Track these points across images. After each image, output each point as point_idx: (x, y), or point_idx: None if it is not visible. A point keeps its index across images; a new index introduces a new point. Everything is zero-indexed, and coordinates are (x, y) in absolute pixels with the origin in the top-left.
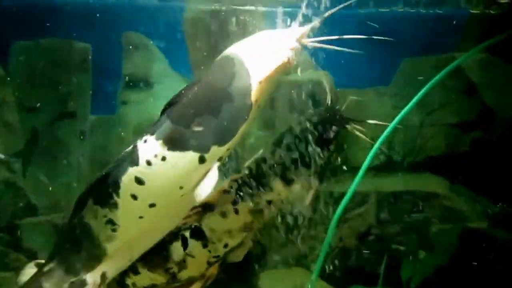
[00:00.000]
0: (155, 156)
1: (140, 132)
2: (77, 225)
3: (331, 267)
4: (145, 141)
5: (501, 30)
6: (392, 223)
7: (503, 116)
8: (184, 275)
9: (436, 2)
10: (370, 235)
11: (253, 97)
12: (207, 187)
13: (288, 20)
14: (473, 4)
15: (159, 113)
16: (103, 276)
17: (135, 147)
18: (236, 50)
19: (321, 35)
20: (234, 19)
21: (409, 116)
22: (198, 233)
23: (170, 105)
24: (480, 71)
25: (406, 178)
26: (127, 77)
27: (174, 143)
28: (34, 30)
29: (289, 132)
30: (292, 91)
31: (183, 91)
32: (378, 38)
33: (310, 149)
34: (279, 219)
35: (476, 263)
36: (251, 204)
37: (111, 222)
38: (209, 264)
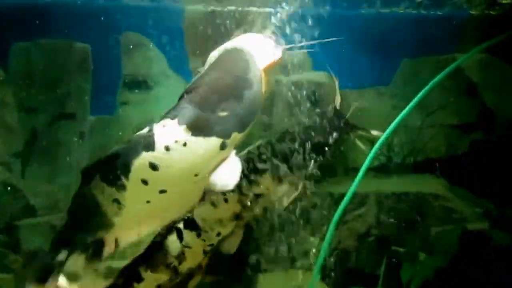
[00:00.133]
0: (176, 141)
1: None
2: (85, 195)
3: (331, 269)
4: (164, 125)
5: (501, 30)
6: (392, 224)
7: (503, 117)
8: (184, 267)
9: (436, 3)
10: (370, 236)
11: (263, 86)
12: (231, 175)
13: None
14: (473, 5)
15: (160, 113)
16: (116, 241)
17: (150, 131)
18: (238, 43)
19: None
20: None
21: (409, 117)
22: (191, 224)
23: (188, 91)
24: (480, 72)
25: (406, 179)
26: (126, 78)
27: (198, 128)
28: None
29: (288, 133)
30: (293, 92)
31: (200, 79)
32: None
33: (306, 151)
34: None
35: (476, 265)
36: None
37: (117, 201)
38: (205, 253)
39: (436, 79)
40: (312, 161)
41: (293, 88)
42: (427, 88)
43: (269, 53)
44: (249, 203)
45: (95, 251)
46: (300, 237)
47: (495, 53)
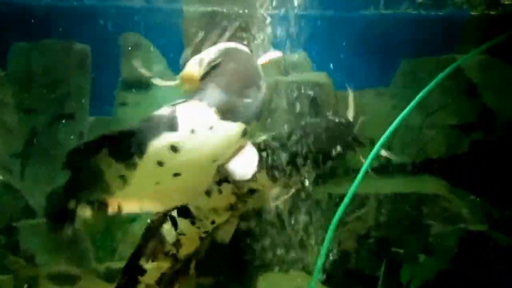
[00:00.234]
0: (203, 124)
1: None
2: (89, 163)
3: (331, 270)
4: (190, 107)
5: (501, 31)
6: (392, 226)
7: (503, 117)
8: (182, 253)
9: (436, 4)
10: (369, 237)
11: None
12: (249, 164)
13: None
14: (472, 5)
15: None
16: (119, 207)
17: (174, 112)
18: (234, 44)
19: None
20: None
21: (409, 117)
22: (184, 212)
23: (205, 76)
24: (480, 72)
25: (406, 180)
26: (125, 79)
27: (227, 112)
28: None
29: (291, 134)
30: (292, 92)
31: (218, 68)
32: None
33: (306, 158)
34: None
35: (476, 266)
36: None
37: (123, 178)
38: (201, 239)
39: (435, 81)
40: (309, 170)
41: (293, 88)
42: (425, 90)
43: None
44: (243, 196)
45: (99, 207)
46: (300, 238)
47: (495, 54)
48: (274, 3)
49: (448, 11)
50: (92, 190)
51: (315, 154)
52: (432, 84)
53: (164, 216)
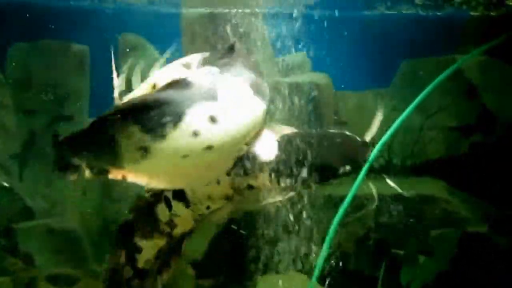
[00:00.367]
0: (240, 97)
1: None
2: (102, 132)
3: (330, 271)
4: (227, 80)
5: (502, 31)
6: (392, 227)
7: (503, 119)
8: (177, 232)
9: (436, 4)
10: (369, 239)
11: None
12: (271, 147)
13: None
14: (471, 6)
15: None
16: (124, 177)
17: (213, 82)
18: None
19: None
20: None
21: (408, 119)
22: (179, 195)
23: (222, 58)
24: (480, 74)
25: (405, 181)
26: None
27: (257, 90)
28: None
29: (300, 137)
30: (293, 93)
31: (232, 58)
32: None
33: (310, 168)
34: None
35: (476, 267)
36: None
37: (144, 150)
38: (196, 221)
39: (434, 83)
40: (311, 180)
41: (292, 89)
42: (424, 92)
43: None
44: (241, 191)
45: (100, 172)
46: (299, 239)
47: (495, 55)
48: (273, 3)
49: (447, 11)
50: (97, 159)
51: (322, 166)
52: (431, 86)
53: (158, 196)
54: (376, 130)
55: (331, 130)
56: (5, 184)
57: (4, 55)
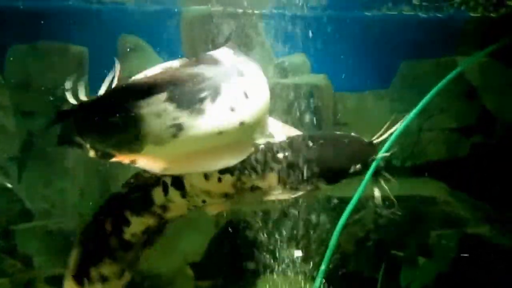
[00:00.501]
0: (259, 73)
1: None
2: (123, 112)
3: (330, 272)
4: (250, 62)
5: (502, 32)
6: (391, 228)
7: (503, 120)
8: (168, 216)
9: (436, 5)
10: (369, 240)
11: None
12: (281, 134)
13: None
14: (471, 7)
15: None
16: (133, 161)
17: (242, 61)
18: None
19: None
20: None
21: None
22: (177, 183)
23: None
24: (480, 75)
25: (405, 182)
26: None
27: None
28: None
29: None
30: (292, 95)
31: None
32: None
33: (314, 171)
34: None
35: (476, 269)
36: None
37: (178, 127)
38: (189, 209)
39: (438, 86)
40: (320, 181)
41: (291, 90)
42: (427, 97)
43: None
44: (243, 191)
45: (103, 156)
46: (299, 241)
47: (495, 56)
48: (272, 4)
49: (447, 12)
50: (103, 139)
51: (332, 167)
52: (435, 89)
53: (157, 179)
54: (387, 134)
55: (337, 132)
56: (8, 184)
57: (3, 56)
